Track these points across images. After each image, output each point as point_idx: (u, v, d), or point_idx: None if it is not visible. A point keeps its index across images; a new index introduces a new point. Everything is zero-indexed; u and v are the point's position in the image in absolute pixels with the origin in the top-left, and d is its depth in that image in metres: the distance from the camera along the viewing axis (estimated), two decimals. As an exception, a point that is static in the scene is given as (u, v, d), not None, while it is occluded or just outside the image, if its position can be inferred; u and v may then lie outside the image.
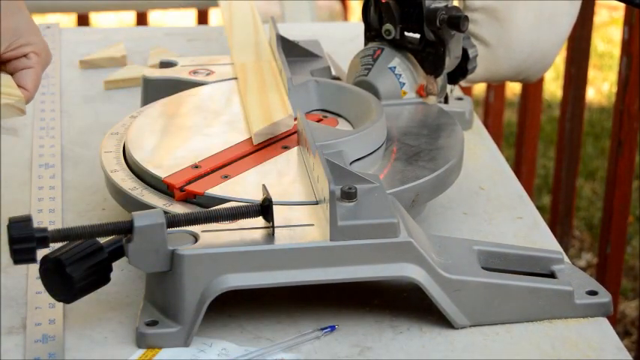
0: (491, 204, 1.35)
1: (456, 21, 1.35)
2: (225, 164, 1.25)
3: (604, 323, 1.13)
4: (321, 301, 1.14)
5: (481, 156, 1.47)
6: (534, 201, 1.39)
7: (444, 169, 1.25)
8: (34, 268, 1.17)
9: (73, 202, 1.33)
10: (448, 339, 1.10)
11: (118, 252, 1.07)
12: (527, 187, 2.58)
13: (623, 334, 2.61)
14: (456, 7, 1.38)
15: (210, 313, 1.09)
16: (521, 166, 2.62)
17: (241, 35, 1.58)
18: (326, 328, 1.10)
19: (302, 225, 1.10)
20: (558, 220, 2.59)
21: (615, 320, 2.50)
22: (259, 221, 1.10)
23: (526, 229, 1.30)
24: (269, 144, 1.30)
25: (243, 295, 1.12)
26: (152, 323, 1.07)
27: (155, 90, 1.51)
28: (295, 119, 1.32)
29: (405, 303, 1.12)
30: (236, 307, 1.13)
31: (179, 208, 1.16)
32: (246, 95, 1.39)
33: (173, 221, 1.06)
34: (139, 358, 1.05)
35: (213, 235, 1.08)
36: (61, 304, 1.12)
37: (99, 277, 1.07)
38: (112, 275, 1.10)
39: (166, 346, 1.06)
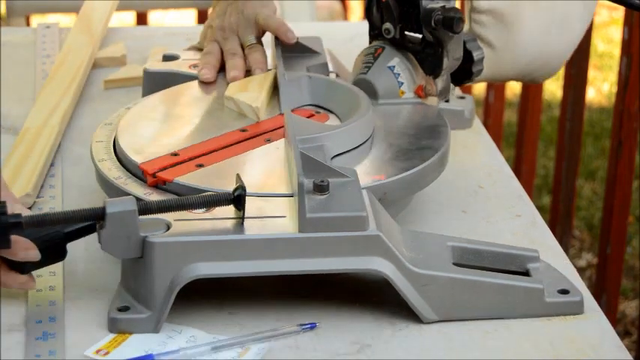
0: (489, 203, 1.35)
1: (450, 22, 1.34)
2: (204, 154, 1.26)
3: (604, 323, 1.14)
4: (321, 297, 1.15)
5: (480, 155, 1.48)
6: (534, 201, 1.39)
7: (415, 170, 1.24)
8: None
9: (73, 201, 1.34)
10: (447, 337, 1.10)
11: (74, 234, 1.09)
12: (527, 187, 2.57)
13: (623, 334, 2.61)
14: (454, 7, 1.36)
15: (211, 311, 1.11)
16: (521, 166, 2.62)
17: (49, 94, 1.57)
18: (306, 325, 1.11)
19: (274, 216, 1.12)
20: (558, 220, 2.59)
21: (615, 320, 2.50)
22: (233, 211, 1.12)
23: (524, 227, 1.30)
24: (253, 136, 1.31)
25: (243, 291, 1.13)
26: (124, 309, 1.09)
27: (156, 83, 1.52)
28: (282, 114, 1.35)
29: (405, 300, 1.11)
30: (235, 303, 1.14)
31: (159, 198, 1.18)
32: (5, 165, 1.38)
33: (145, 208, 1.08)
34: (107, 343, 1.07)
35: (186, 224, 1.09)
36: (61, 302, 1.13)
37: (51, 252, 1.09)
38: (112, 273, 1.13)
39: (136, 332, 1.08)
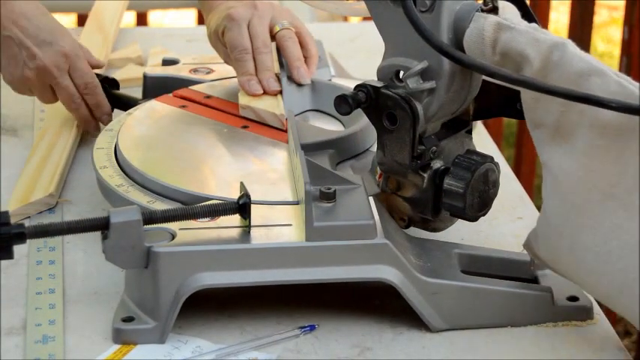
0: (491, 204, 1.35)
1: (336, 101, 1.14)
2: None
3: (604, 323, 1.13)
4: (322, 300, 1.14)
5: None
6: (534, 201, 1.38)
7: None
8: (34, 269, 1.18)
9: (73, 201, 1.34)
10: (448, 339, 1.10)
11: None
12: (527, 187, 2.57)
13: (623, 334, 2.61)
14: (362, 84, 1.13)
15: (211, 314, 1.11)
16: (521, 166, 2.62)
17: None
18: (305, 327, 1.10)
19: (280, 225, 1.11)
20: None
21: (615, 320, 2.49)
22: (239, 220, 1.11)
23: (526, 229, 1.27)
24: (246, 125, 1.35)
25: (244, 296, 1.13)
26: (128, 319, 1.08)
27: (155, 87, 1.52)
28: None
29: (405, 303, 1.11)
30: (235, 306, 1.13)
31: (162, 206, 1.17)
32: (27, 163, 1.40)
33: (150, 218, 1.07)
34: (112, 354, 1.06)
35: (191, 233, 1.08)
36: (61, 305, 1.12)
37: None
38: (112, 276, 1.14)
39: (141, 342, 1.07)
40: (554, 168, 1.06)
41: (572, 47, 1.03)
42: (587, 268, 1.06)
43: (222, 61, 1.54)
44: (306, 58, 1.44)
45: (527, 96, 1.07)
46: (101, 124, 1.47)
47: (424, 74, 1.10)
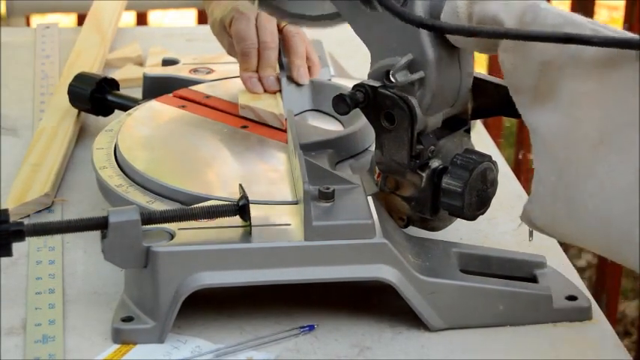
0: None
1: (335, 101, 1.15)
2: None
3: (604, 323, 1.13)
4: (321, 300, 1.14)
5: (481, 156, 1.47)
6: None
7: None
8: (34, 269, 1.19)
9: (73, 202, 1.34)
10: (447, 339, 1.10)
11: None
12: (528, 187, 2.57)
13: (623, 334, 2.61)
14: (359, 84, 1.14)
15: (210, 314, 1.11)
16: (521, 166, 2.62)
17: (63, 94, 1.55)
18: (305, 326, 1.11)
19: (280, 224, 1.11)
20: (558, 220, 2.58)
21: (615, 320, 2.49)
22: (237, 219, 1.11)
23: (525, 229, 1.28)
24: (245, 125, 1.35)
25: (243, 295, 1.13)
26: (128, 319, 1.08)
27: (155, 87, 1.52)
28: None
29: (404, 303, 1.11)
30: (234, 306, 1.13)
31: (162, 206, 1.17)
32: (23, 163, 1.40)
33: (149, 218, 1.07)
34: (111, 354, 1.06)
35: (190, 233, 1.09)
36: (61, 305, 1.13)
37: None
38: (112, 276, 1.14)
39: (141, 342, 1.07)
40: (541, 129, 1.05)
41: (545, 5, 1.04)
42: (586, 221, 1.04)
43: (222, 61, 1.54)
44: (309, 67, 1.44)
45: (507, 62, 1.07)
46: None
47: (411, 67, 1.10)
